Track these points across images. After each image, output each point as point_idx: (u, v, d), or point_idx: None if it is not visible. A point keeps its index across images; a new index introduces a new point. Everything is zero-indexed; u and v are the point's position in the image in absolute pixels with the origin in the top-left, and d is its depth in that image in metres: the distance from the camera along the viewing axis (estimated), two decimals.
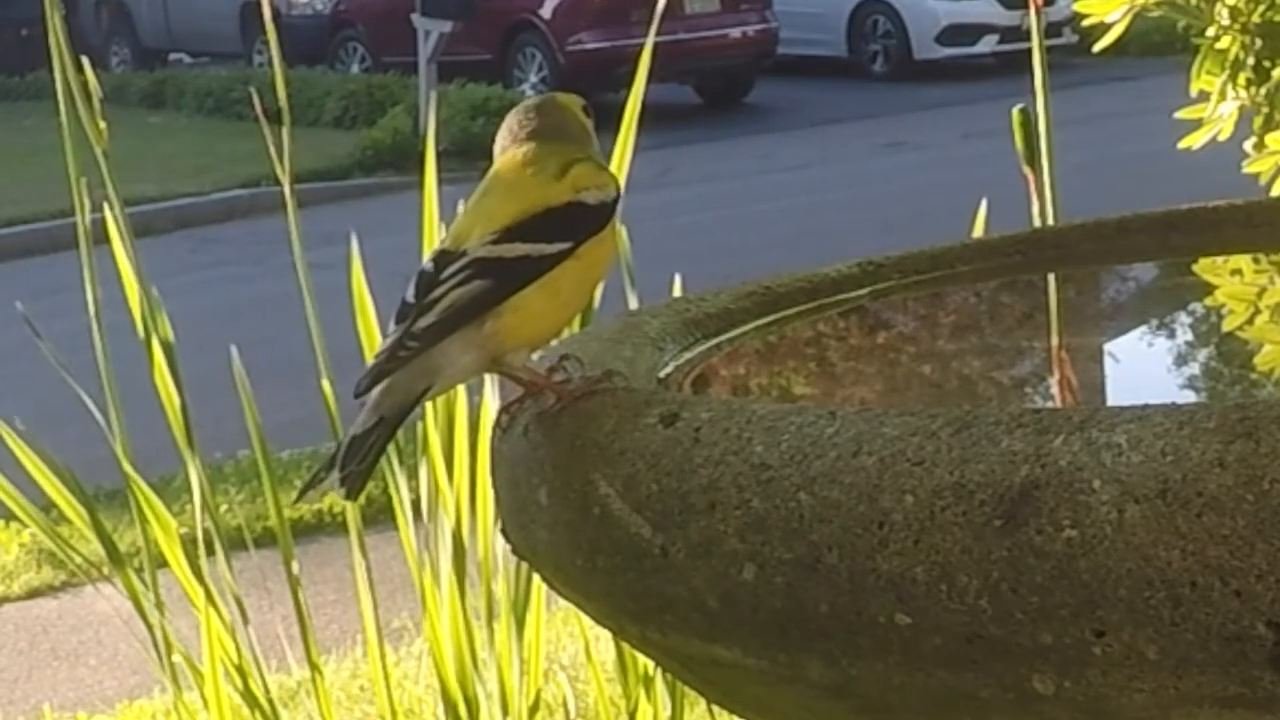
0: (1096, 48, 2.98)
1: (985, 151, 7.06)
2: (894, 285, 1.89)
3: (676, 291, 2.67)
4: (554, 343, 1.55)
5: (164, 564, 2.97)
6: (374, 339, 2.91)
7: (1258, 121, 2.95)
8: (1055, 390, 1.78)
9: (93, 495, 3.19)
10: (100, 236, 2.98)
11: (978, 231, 2.85)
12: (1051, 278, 2.05)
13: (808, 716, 1.29)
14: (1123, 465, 1.08)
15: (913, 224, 7.00)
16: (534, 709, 2.97)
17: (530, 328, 1.40)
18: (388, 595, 4.04)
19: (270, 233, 6.89)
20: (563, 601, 1.53)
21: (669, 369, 1.60)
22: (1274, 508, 1.04)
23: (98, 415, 2.97)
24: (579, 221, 1.42)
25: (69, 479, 2.94)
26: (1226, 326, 1.87)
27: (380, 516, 4.87)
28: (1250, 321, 1.87)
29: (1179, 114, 3.00)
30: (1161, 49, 12.34)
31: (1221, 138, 2.95)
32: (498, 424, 1.47)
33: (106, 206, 2.96)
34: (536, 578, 2.66)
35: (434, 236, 2.88)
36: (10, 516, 5.23)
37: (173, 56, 22.18)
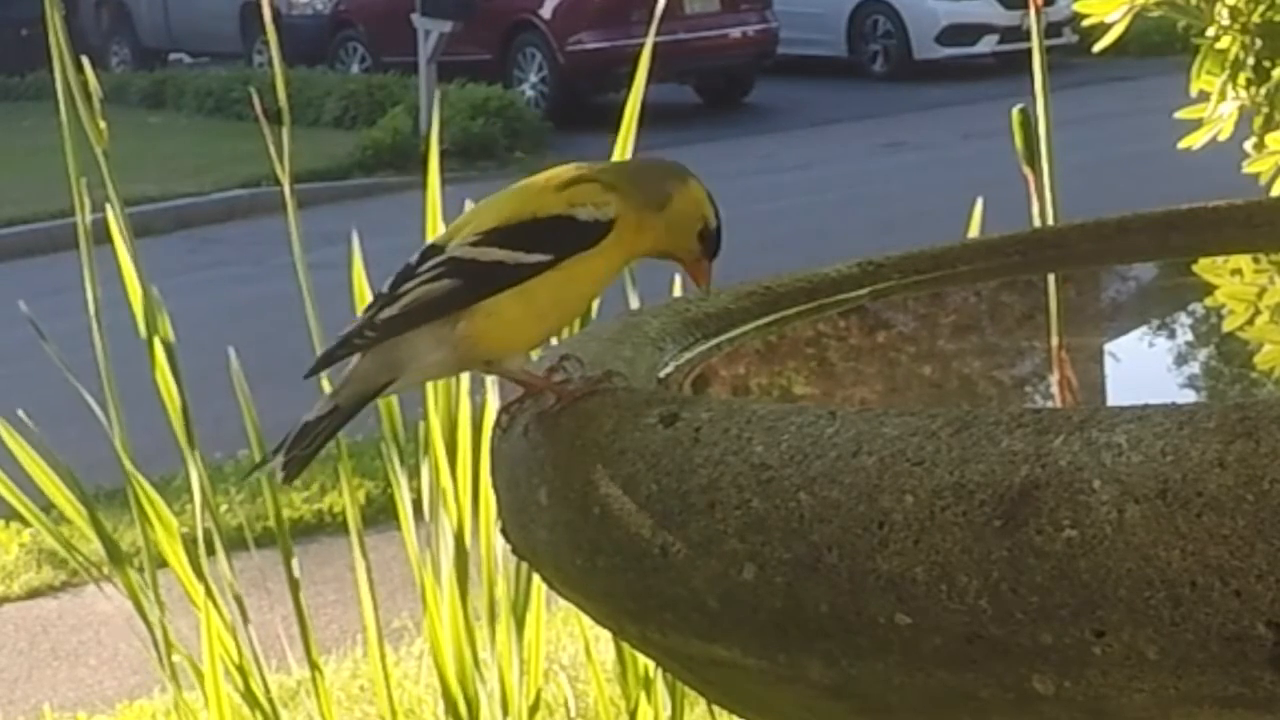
0: (1096, 48, 2.98)
1: (985, 151, 7.06)
2: (894, 285, 1.89)
3: (677, 291, 2.67)
4: (553, 342, 1.55)
5: (164, 563, 2.97)
6: None
7: (1258, 121, 2.95)
8: (1055, 390, 1.78)
9: (93, 495, 3.19)
10: (100, 236, 2.98)
11: (974, 231, 2.85)
12: (1051, 278, 2.05)
13: (808, 716, 1.29)
14: (1123, 465, 1.08)
15: (913, 224, 7.00)
16: (534, 709, 2.97)
17: (504, 333, 1.39)
18: (388, 595, 4.04)
19: (270, 233, 6.89)
20: (563, 601, 1.53)
21: (669, 369, 1.60)
22: (1274, 508, 1.04)
23: (99, 414, 2.97)
24: (564, 235, 1.40)
25: (69, 478, 2.94)
26: (1226, 326, 1.88)
27: (380, 516, 4.88)
28: (1250, 321, 1.87)
29: (1179, 114, 3.00)
30: (1161, 49, 12.35)
31: (1221, 138, 2.95)
32: (497, 424, 1.47)
33: (107, 206, 2.97)
34: (536, 578, 2.66)
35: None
36: (11, 516, 5.23)
37: (173, 56, 22.18)
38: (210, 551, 2.95)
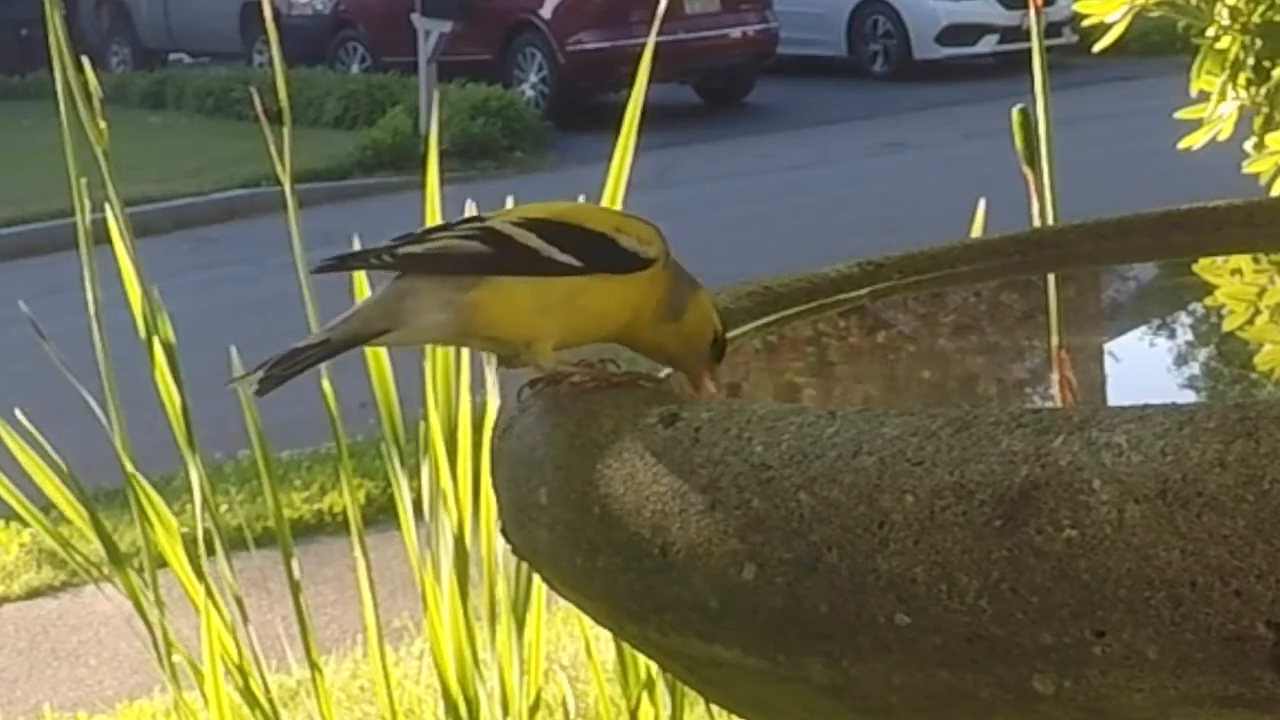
0: (1096, 48, 2.98)
1: (985, 151, 7.06)
2: (894, 285, 1.89)
3: None
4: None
5: (164, 563, 2.97)
6: None
7: (1258, 121, 2.95)
8: (1055, 390, 1.78)
9: (93, 495, 3.19)
10: (100, 236, 2.98)
11: (976, 231, 2.85)
12: (1051, 278, 2.05)
13: (808, 716, 1.29)
14: (1123, 465, 1.08)
15: (913, 224, 6.99)
16: (534, 709, 2.97)
17: (505, 314, 1.39)
18: (388, 595, 4.04)
19: (270, 233, 6.88)
20: (563, 601, 1.53)
21: (669, 369, 1.60)
22: (1274, 508, 1.04)
23: (99, 414, 2.97)
24: (602, 251, 1.41)
25: (69, 478, 2.94)
26: (1226, 326, 1.88)
27: (380, 516, 4.88)
28: (1250, 321, 1.87)
29: (1179, 114, 3.01)
30: (1161, 49, 12.33)
31: (1221, 138, 2.95)
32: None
33: (107, 206, 2.96)
34: (536, 578, 2.66)
35: None
36: (11, 516, 5.23)
37: (173, 56, 22.18)
38: (210, 551, 2.95)
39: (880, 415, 1.19)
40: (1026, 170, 2.72)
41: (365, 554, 3.01)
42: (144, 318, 2.94)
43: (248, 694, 2.93)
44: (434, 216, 2.93)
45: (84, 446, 3.21)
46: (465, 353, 2.83)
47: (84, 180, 2.96)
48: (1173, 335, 1.97)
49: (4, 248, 12.13)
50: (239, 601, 2.97)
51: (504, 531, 1.50)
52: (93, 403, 2.97)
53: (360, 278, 2.97)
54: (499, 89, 15.64)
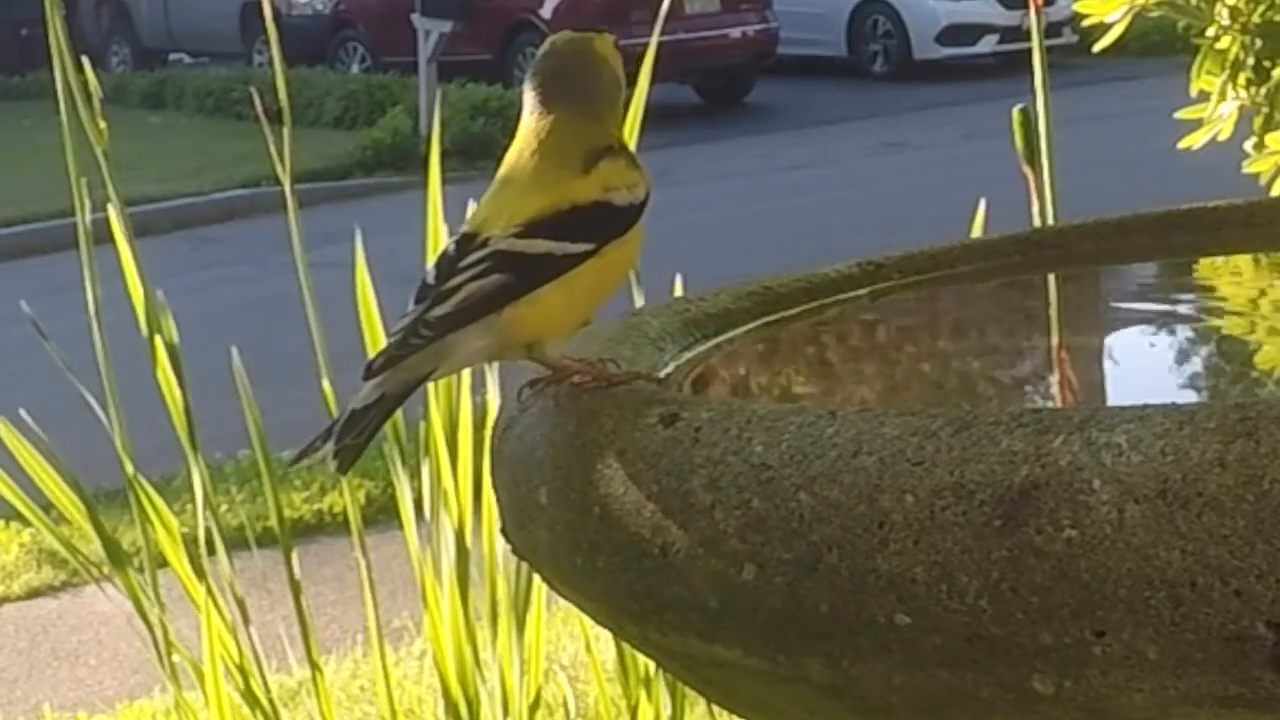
0: (1096, 48, 2.98)
1: (985, 151, 7.06)
2: (894, 285, 1.89)
3: (678, 291, 2.67)
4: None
5: (164, 563, 2.97)
6: (376, 338, 2.91)
7: (1258, 121, 2.95)
8: (1055, 390, 1.78)
9: (93, 495, 3.19)
10: (100, 236, 2.98)
11: (977, 231, 2.85)
12: (1051, 278, 2.05)
13: (808, 716, 1.29)
14: (1123, 465, 1.08)
15: (913, 224, 6.99)
16: (534, 709, 2.97)
17: (545, 320, 1.39)
18: (388, 595, 4.04)
19: (270, 233, 6.89)
20: (563, 601, 1.53)
21: (669, 369, 1.60)
22: (1274, 508, 1.04)
23: (99, 414, 2.97)
24: (604, 222, 1.40)
25: (69, 478, 2.94)
26: (1226, 327, 1.88)
27: (380, 516, 4.88)
28: (1250, 321, 1.87)
29: (1179, 114, 3.00)
30: (1161, 49, 12.33)
31: (1221, 138, 2.95)
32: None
33: (108, 206, 2.96)
34: (536, 578, 2.66)
35: (437, 236, 2.88)
36: (11, 516, 5.23)
37: (173, 56, 22.18)
38: (210, 551, 2.95)
39: (880, 415, 1.19)
40: (1026, 170, 2.72)
41: (365, 554, 3.01)
42: (147, 317, 2.94)
43: (248, 694, 2.93)
44: (434, 216, 2.93)
45: (84, 446, 3.22)
46: None
47: (84, 180, 2.96)
48: (1173, 335, 1.97)
49: (4, 248, 12.13)
50: (239, 601, 2.98)
51: (504, 531, 1.50)
52: (93, 403, 2.97)
53: (364, 283, 2.97)
54: (499, 89, 15.63)
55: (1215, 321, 1.92)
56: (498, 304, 1.36)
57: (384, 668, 3.10)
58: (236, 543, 3.31)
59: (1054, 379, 1.83)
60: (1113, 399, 1.73)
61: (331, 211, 11.07)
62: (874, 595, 1.15)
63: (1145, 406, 1.11)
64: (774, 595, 1.19)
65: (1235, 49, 2.92)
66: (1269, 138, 2.91)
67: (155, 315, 2.93)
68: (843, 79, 17.92)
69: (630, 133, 2.84)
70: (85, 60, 2.93)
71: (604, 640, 3.35)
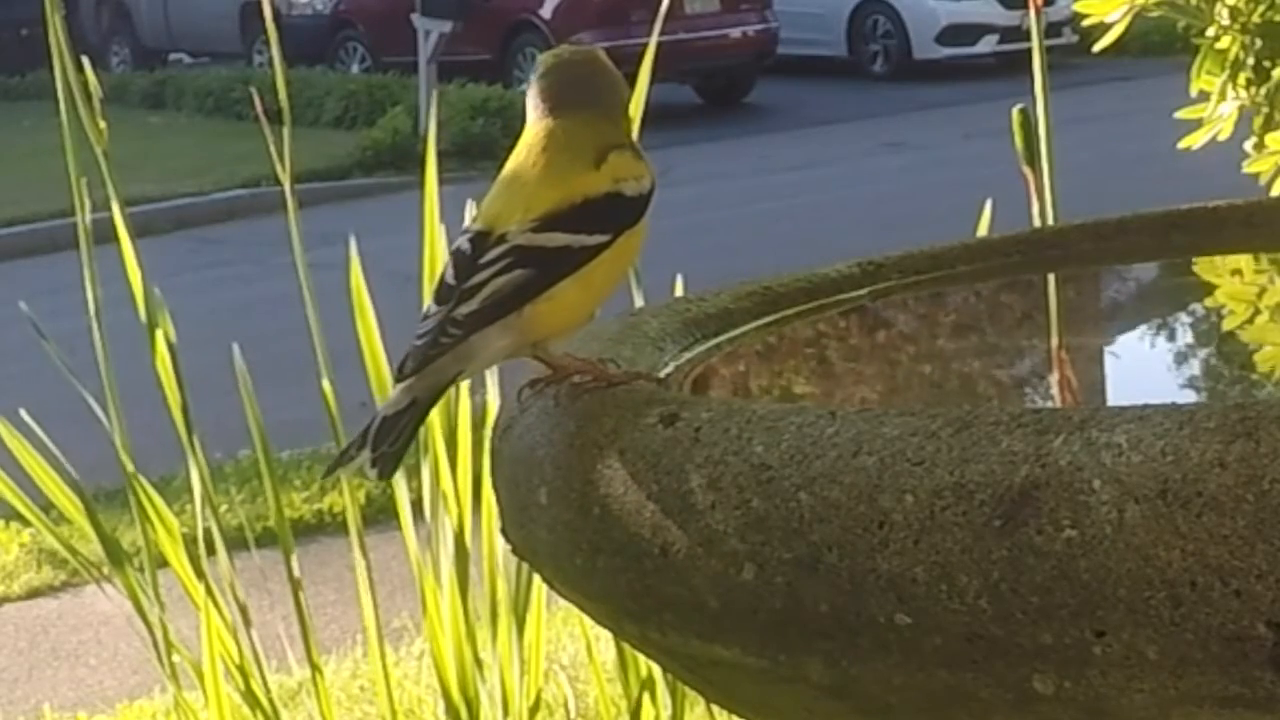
0: (1096, 48, 2.98)
1: (985, 151, 7.06)
2: (894, 285, 1.89)
3: (678, 291, 2.67)
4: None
5: (164, 563, 2.97)
6: (373, 339, 2.91)
7: (1258, 121, 2.95)
8: (1055, 390, 1.78)
9: (93, 495, 3.19)
10: (100, 236, 2.98)
11: (982, 232, 2.85)
12: (1051, 278, 2.05)
13: (808, 716, 1.29)
14: (1123, 465, 1.08)
15: (913, 224, 6.99)
16: (534, 709, 2.97)
17: (563, 316, 1.40)
18: (388, 595, 4.04)
19: (270, 233, 6.89)
20: (563, 601, 1.53)
21: (669, 369, 1.60)
22: (1274, 508, 1.04)
23: (99, 414, 2.97)
24: (617, 213, 1.41)
25: (69, 478, 2.94)
26: (1226, 326, 1.88)
27: (380, 516, 4.88)
28: (1250, 321, 1.87)
29: (1179, 114, 3.00)
30: (1161, 49, 12.34)
31: (1221, 138, 2.94)
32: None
33: (110, 206, 2.97)
34: (536, 578, 2.66)
35: (435, 236, 2.88)
36: (11, 516, 5.23)
37: (173, 56, 22.17)
38: (210, 551, 2.95)
39: (880, 415, 1.19)
40: (1026, 170, 2.72)
41: (365, 554, 3.01)
42: (148, 316, 2.94)
43: (248, 694, 2.93)
44: (433, 216, 2.93)
45: (84, 446, 3.21)
46: None
47: (84, 180, 2.96)
48: (1173, 335, 1.97)
49: (4, 248, 12.13)
50: (239, 602, 2.98)
51: (504, 531, 1.50)
52: (93, 403, 2.97)
53: (361, 283, 2.97)
54: (499, 89, 15.63)
55: (1215, 321, 1.92)
56: (520, 300, 1.37)
57: (384, 668, 3.10)
58: (236, 543, 3.32)
59: (1054, 379, 1.83)
60: (1113, 399, 1.73)
61: (332, 211, 11.08)
62: (874, 595, 1.15)
63: (1145, 406, 1.11)
64: (774, 595, 1.19)
65: (1235, 49, 2.92)
66: (1269, 138, 2.91)
67: (155, 314, 2.93)
68: (843, 79, 17.92)
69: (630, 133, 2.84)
70: (85, 60, 2.93)
71: (604, 640, 3.35)
